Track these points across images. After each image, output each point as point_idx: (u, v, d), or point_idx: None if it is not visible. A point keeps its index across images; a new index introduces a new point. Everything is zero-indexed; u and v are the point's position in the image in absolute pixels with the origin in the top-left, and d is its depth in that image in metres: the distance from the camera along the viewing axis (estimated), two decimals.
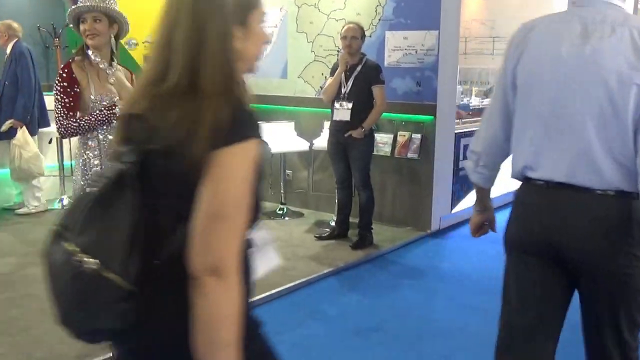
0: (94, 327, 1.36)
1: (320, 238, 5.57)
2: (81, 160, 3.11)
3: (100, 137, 3.10)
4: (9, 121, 6.00)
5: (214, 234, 1.30)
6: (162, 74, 1.40)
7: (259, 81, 6.73)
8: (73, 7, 3.04)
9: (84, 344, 1.65)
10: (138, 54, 7.84)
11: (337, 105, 5.29)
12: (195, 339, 1.31)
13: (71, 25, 3.14)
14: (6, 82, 6.07)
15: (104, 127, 3.09)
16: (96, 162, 3.09)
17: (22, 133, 6.00)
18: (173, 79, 1.38)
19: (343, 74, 5.26)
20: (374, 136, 5.48)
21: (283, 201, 6.43)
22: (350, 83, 5.24)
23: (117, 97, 3.11)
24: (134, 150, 1.40)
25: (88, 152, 3.10)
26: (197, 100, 1.34)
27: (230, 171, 1.32)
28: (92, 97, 3.06)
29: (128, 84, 3.22)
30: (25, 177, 6.16)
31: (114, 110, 3.05)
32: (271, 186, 6.59)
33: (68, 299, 1.35)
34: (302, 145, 6.24)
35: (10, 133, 6.03)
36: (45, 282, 1.39)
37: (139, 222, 1.35)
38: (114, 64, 3.17)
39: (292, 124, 6.44)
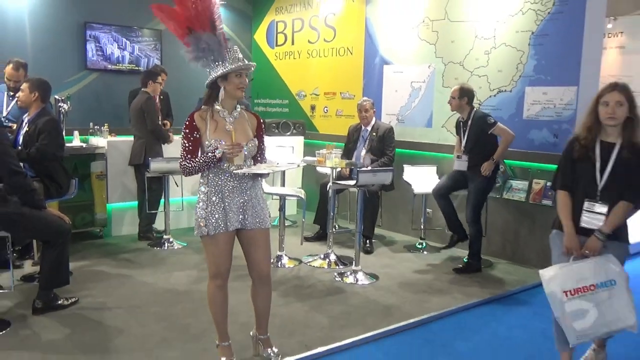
0: None
1: (446, 248, 6.05)
2: (199, 194, 3.32)
3: (211, 175, 3.26)
4: None
5: None
6: None
7: (407, 129, 6.90)
8: (235, 64, 3.17)
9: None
10: (306, 104, 8.28)
11: (456, 157, 5.69)
12: None
13: (219, 73, 3.20)
14: None
15: (211, 167, 3.23)
16: (204, 197, 3.26)
17: None
18: None
19: (461, 129, 5.64)
20: (494, 180, 5.60)
21: (422, 236, 6.47)
22: (465, 137, 5.56)
23: (222, 141, 3.19)
24: None
25: (201, 187, 3.31)
26: None
27: None
28: (206, 142, 3.23)
29: (247, 129, 3.34)
30: None
31: (214, 153, 3.18)
32: (413, 222, 6.66)
33: None
34: None
35: None
36: None
37: None
38: (235, 111, 3.31)
39: (434, 168, 6.51)
